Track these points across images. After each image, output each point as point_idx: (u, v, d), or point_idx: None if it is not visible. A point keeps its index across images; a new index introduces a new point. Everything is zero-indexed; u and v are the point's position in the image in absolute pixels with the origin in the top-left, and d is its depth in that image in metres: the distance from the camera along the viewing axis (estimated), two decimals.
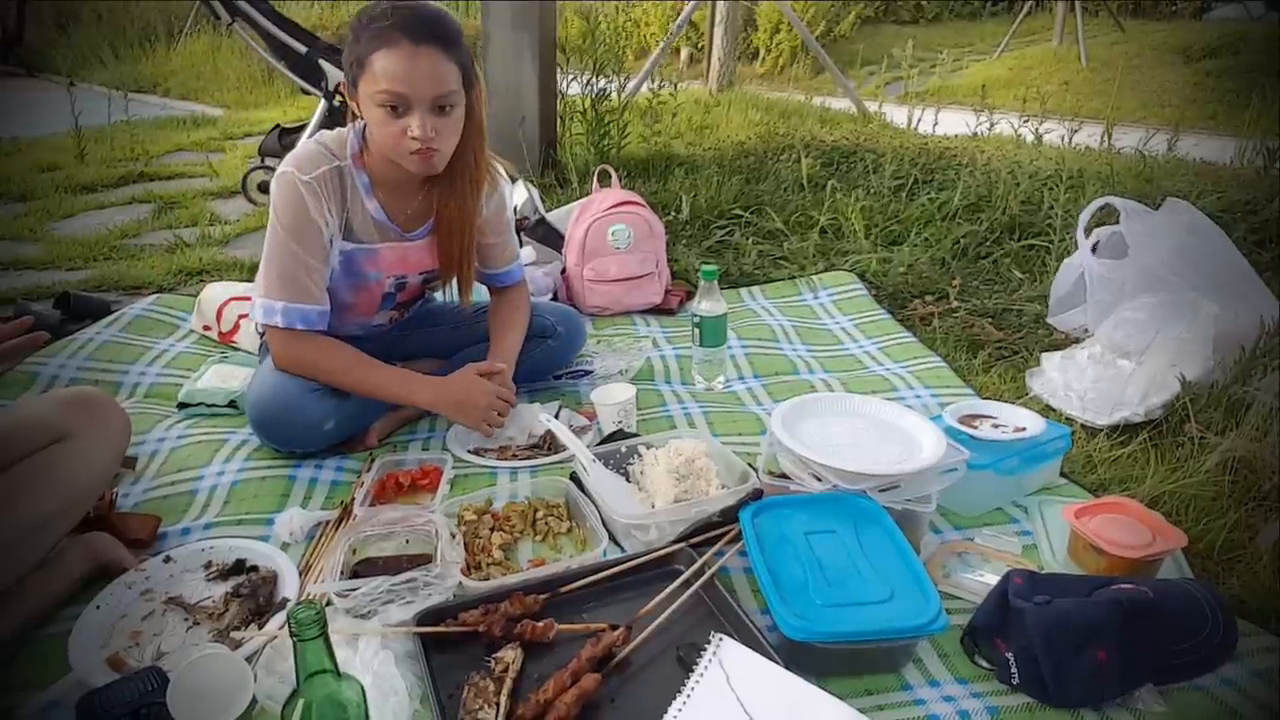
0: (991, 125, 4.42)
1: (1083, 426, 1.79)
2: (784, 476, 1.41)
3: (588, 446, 1.53)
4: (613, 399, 1.70)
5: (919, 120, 4.70)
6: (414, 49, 1.39)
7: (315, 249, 1.53)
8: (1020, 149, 3.98)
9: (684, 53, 8.27)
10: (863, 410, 1.53)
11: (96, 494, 1.32)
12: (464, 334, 1.88)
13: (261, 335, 1.72)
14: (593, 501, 1.43)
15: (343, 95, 3.37)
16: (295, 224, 1.51)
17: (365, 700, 0.90)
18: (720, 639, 1.08)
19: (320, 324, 1.56)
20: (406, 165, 1.49)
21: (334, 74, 3.47)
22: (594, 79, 3.76)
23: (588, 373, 1.98)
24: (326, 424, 1.59)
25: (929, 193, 3.30)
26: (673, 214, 3.19)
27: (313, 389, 1.56)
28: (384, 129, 1.45)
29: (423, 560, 1.27)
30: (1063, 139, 4.02)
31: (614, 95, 3.89)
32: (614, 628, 1.13)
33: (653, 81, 4.30)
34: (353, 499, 1.47)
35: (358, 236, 1.60)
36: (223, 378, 1.88)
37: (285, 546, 1.37)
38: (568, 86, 3.85)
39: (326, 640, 0.84)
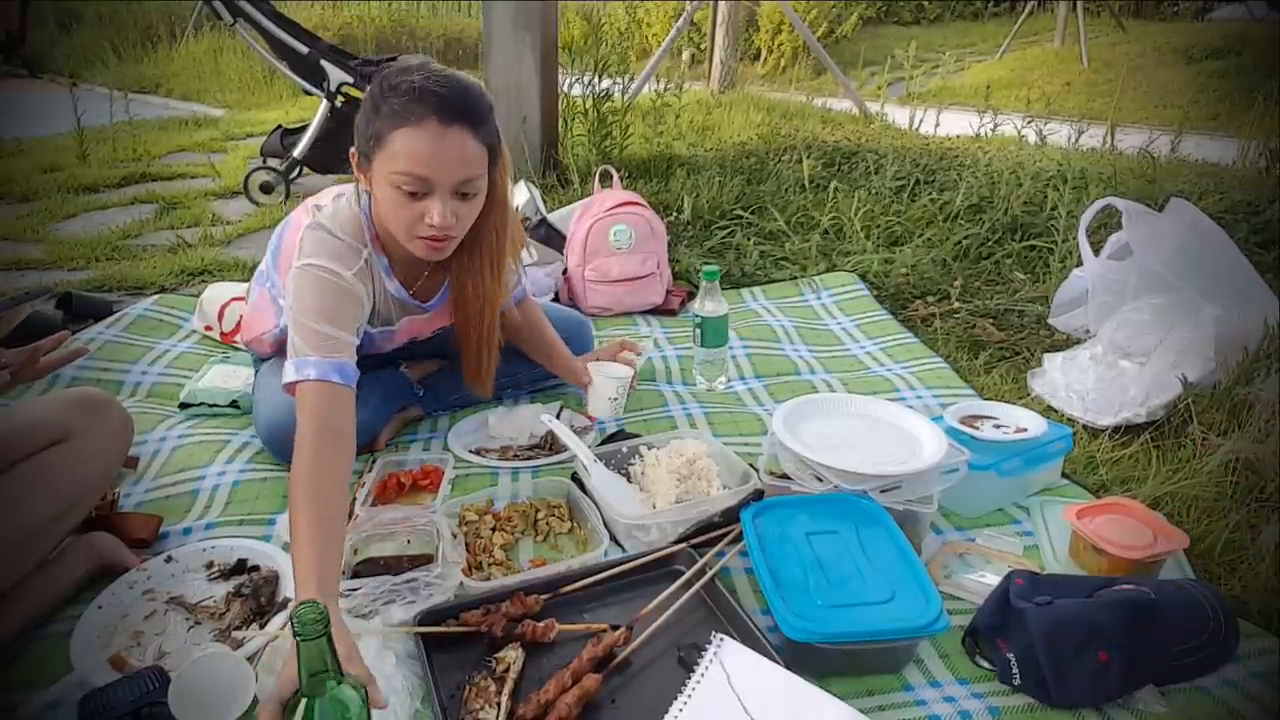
0: (995, 126, 4.42)
1: (1084, 427, 1.79)
2: (785, 477, 1.41)
3: (589, 447, 1.53)
4: (612, 374, 1.71)
5: (921, 121, 4.71)
6: (442, 130, 1.26)
7: (353, 332, 1.38)
8: (1022, 150, 3.98)
9: (686, 53, 8.27)
10: (864, 411, 1.53)
11: (98, 494, 1.33)
12: None
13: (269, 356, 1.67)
14: (594, 502, 1.43)
15: (348, 90, 3.43)
16: (335, 311, 1.34)
17: (367, 700, 0.90)
18: (721, 639, 1.08)
19: (353, 377, 1.34)
20: (412, 250, 1.38)
21: (335, 75, 3.49)
22: (596, 79, 3.76)
23: None
24: None
25: (931, 193, 3.30)
26: (674, 214, 3.19)
27: None
28: (398, 212, 1.32)
29: (424, 560, 1.27)
30: (1066, 139, 4.03)
31: (617, 96, 3.90)
32: (615, 628, 1.13)
33: (656, 82, 4.30)
34: (354, 499, 1.47)
35: (382, 317, 1.55)
36: (224, 378, 1.88)
37: (286, 546, 1.37)
38: (570, 87, 3.85)
39: (329, 640, 0.84)
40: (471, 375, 1.64)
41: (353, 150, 1.38)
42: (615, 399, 1.70)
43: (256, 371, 1.74)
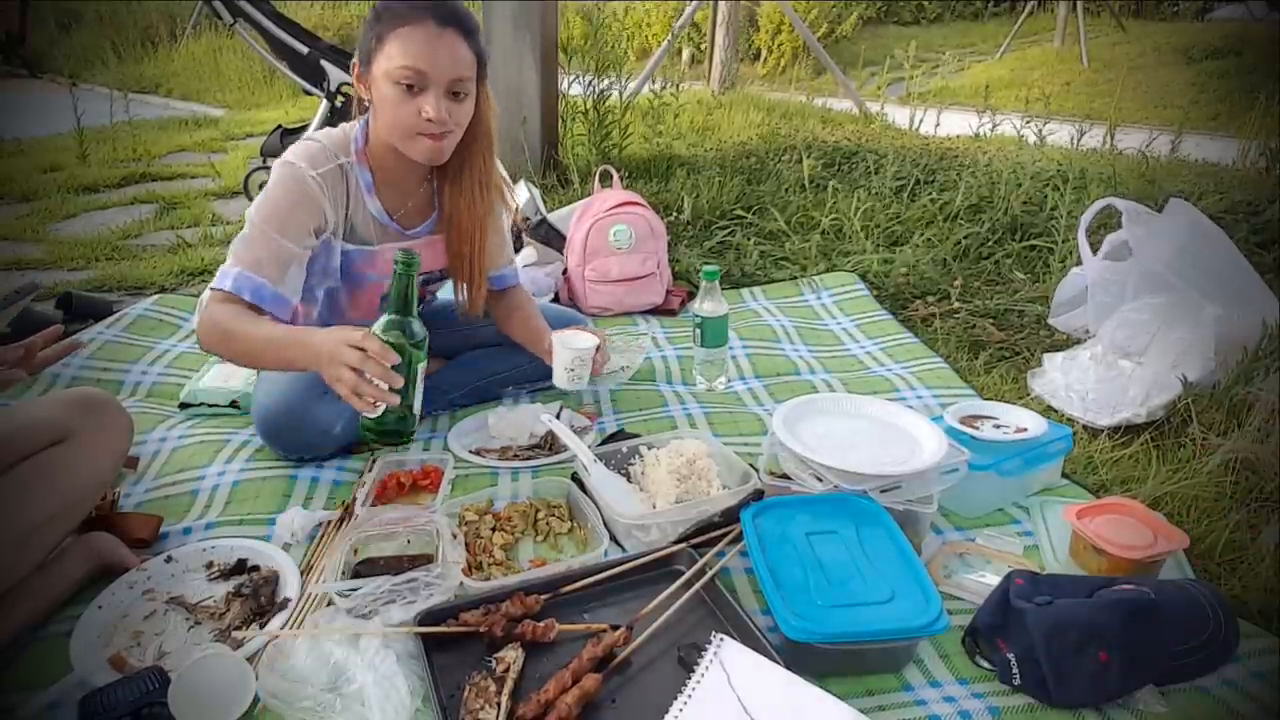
0: (994, 126, 4.42)
1: (1084, 427, 1.79)
2: (785, 477, 1.41)
3: (589, 447, 1.53)
4: (573, 344, 1.65)
5: (921, 121, 4.71)
6: (438, 30, 1.42)
7: (300, 239, 1.47)
8: (1022, 150, 3.98)
9: (686, 53, 8.27)
10: (864, 411, 1.53)
11: (98, 494, 1.32)
12: (468, 335, 1.88)
13: None
14: (594, 502, 1.43)
15: (348, 89, 3.43)
16: (287, 215, 1.45)
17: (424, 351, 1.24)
18: (721, 639, 1.08)
19: (276, 308, 1.45)
20: (412, 151, 1.47)
21: (335, 74, 3.49)
22: (596, 79, 3.76)
23: None
24: (335, 428, 1.58)
25: (930, 193, 3.30)
26: (674, 214, 3.19)
27: (320, 393, 1.53)
28: (396, 109, 1.43)
29: (424, 560, 1.27)
30: (1066, 139, 4.03)
31: (616, 95, 3.90)
32: (615, 628, 1.13)
33: (654, 82, 4.30)
34: (354, 499, 1.47)
35: (360, 237, 1.59)
36: (224, 377, 1.88)
37: (286, 546, 1.37)
38: (569, 87, 3.86)
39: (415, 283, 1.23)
40: (462, 297, 1.72)
41: (354, 62, 1.51)
42: (572, 370, 1.65)
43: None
